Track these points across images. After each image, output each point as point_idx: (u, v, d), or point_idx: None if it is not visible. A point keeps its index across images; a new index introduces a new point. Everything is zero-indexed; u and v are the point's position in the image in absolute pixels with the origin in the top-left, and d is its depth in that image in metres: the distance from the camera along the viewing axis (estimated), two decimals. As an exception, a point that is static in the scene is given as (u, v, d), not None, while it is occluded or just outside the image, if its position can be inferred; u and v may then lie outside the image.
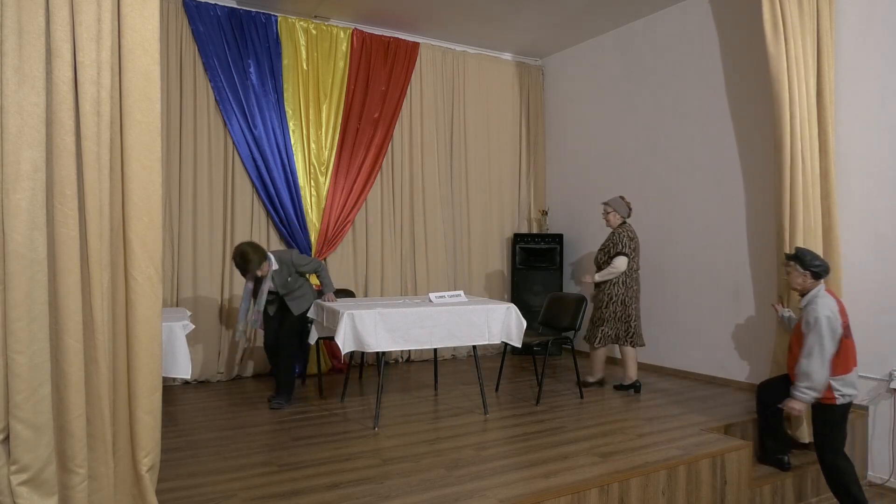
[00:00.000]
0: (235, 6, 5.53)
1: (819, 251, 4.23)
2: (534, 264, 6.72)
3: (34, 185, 2.18)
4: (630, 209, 5.04)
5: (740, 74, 5.11)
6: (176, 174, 5.32)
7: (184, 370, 3.23)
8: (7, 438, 2.20)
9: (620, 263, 4.80)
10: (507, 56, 7.12)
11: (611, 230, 5.04)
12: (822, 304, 3.56)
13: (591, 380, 5.14)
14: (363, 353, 5.13)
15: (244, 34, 5.49)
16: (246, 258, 4.29)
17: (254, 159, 5.54)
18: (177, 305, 5.28)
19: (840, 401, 3.56)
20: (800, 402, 3.57)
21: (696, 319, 5.48)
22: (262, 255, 4.37)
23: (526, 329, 4.37)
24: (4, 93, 2.14)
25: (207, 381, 5.35)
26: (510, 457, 3.43)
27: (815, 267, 3.64)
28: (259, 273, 4.39)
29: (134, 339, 2.41)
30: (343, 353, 4.01)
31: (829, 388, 3.56)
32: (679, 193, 5.67)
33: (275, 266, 4.46)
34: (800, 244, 4.06)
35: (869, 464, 4.28)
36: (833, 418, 3.59)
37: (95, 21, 2.26)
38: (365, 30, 6.08)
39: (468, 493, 2.91)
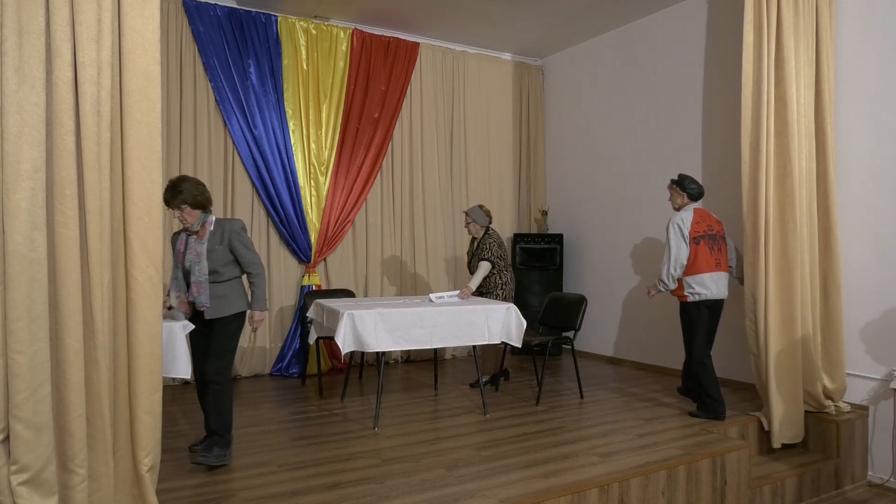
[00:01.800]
0: (235, 6, 5.53)
1: (817, 251, 4.24)
2: (534, 264, 6.72)
3: (34, 185, 2.18)
4: (490, 217, 5.17)
5: (740, 74, 5.09)
6: (176, 174, 5.29)
7: (184, 370, 3.22)
8: (7, 438, 2.19)
9: (484, 269, 4.92)
10: (507, 56, 7.12)
11: (474, 238, 5.17)
12: (676, 215, 4.26)
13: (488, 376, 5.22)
14: (363, 353, 5.13)
15: (244, 34, 5.49)
16: (182, 181, 3.31)
17: (254, 159, 5.54)
18: (177, 305, 5.27)
19: (690, 298, 4.18)
20: (655, 287, 4.32)
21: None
22: (203, 197, 3.35)
23: (526, 329, 4.37)
24: (4, 93, 2.14)
25: (207, 381, 5.35)
26: (510, 457, 3.43)
27: (690, 190, 4.33)
28: (182, 214, 3.31)
29: (134, 339, 2.41)
30: (343, 353, 4.01)
31: (682, 287, 4.20)
32: (679, 193, 5.67)
33: (212, 228, 3.41)
34: (792, 244, 4.04)
35: (869, 464, 4.27)
36: (688, 314, 4.22)
37: (95, 21, 2.26)
38: (365, 30, 6.08)
39: (468, 493, 2.91)
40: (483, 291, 5.07)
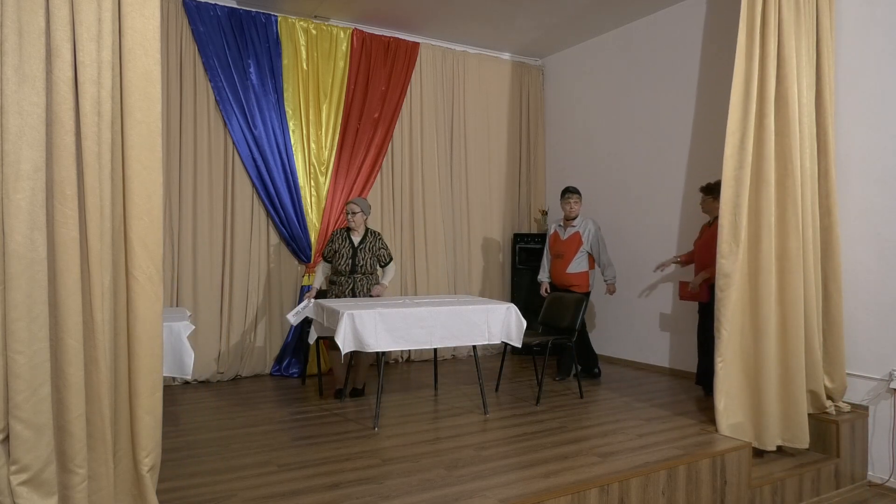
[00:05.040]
0: (235, 6, 5.53)
1: (818, 251, 4.23)
2: (534, 264, 6.71)
3: (34, 185, 2.18)
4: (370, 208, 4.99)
5: (740, 74, 5.10)
6: (176, 174, 5.32)
7: (186, 370, 3.22)
8: (7, 438, 2.20)
9: (394, 269, 5.15)
10: (507, 56, 7.12)
11: (349, 230, 4.85)
12: (592, 222, 5.36)
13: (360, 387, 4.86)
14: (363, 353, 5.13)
15: (244, 34, 5.49)
16: None
17: (254, 159, 5.54)
18: (177, 305, 5.28)
19: (589, 289, 5.22)
20: (614, 286, 5.36)
21: (697, 319, 5.47)
22: None
23: (526, 329, 4.38)
24: (4, 93, 2.14)
25: (207, 381, 5.35)
26: (510, 457, 3.43)
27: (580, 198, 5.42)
28: None
29: (134, 338, 2.41)
30: (343, 353, 4.01)
31: (588, 279, 5.23)
32: (680, 193, 5.67)
33: None
34: (795, 244, 4.03)
35: (869, 464, 4.27)
36: (586, 303, 5.00)
37: (96, 21, 2.27)
38: (365, 30, 6.08)
39: (468, 493, 2.91)
40: (359, 293, 4.84)
